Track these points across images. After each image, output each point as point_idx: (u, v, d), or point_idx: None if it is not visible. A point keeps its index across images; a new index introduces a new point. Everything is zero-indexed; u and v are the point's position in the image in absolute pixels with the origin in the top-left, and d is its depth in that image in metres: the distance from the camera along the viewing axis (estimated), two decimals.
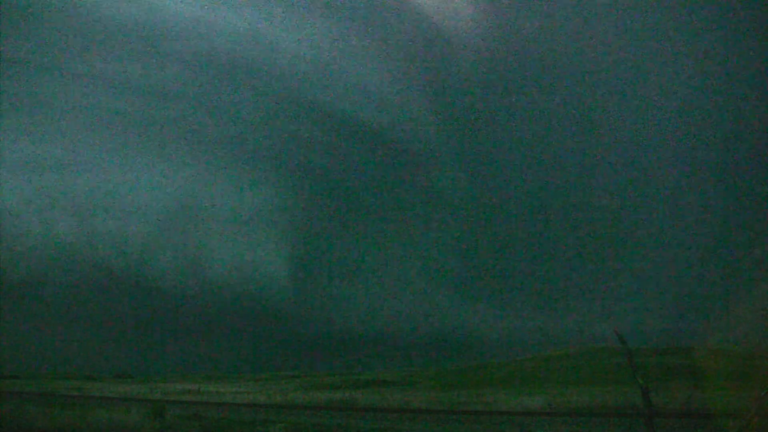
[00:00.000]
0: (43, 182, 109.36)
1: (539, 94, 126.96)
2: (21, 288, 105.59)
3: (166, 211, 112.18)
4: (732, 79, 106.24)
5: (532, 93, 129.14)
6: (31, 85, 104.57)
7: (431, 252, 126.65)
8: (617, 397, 25.46)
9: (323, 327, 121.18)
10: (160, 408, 21.08)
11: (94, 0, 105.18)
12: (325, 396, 37.58)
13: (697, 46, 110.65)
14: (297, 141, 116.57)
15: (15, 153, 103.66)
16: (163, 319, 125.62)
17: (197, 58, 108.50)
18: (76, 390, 47.72)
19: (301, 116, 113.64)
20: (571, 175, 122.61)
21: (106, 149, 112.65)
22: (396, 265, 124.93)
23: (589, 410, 23.37)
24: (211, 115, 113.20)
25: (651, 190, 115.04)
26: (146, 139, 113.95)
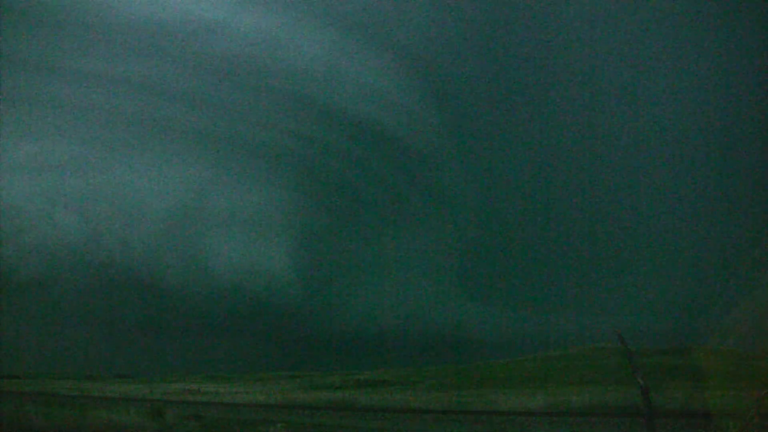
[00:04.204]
0: (46, 182, 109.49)
1: (541, 95, 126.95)
2: (21, 288, 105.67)
3: (170, 211, 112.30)
4: (732, 79, 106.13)
5: (534, 93, 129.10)
6: (36, 85, 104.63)
7: (432, 252, 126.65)
8: (617, 397, 25.43)
9: (324, 327, 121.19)
10: (160, 408, 21.07)
11: None
12: (325, 396, 37.55)
13: (698, 46, 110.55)
14: (300, 141, 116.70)
15: (17, 152, 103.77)
16: (164, 318, 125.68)
17: (199, 57, 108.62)
18: (76, 390, 47.70)
19: (304, 115, 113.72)
20: (572, 176, 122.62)
21: (109, 149, 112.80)
22: (397, 265, 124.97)
23: (589, 410, 23.34)
24: (214, 114, 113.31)
25: (651, 190, 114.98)
26: (150, 138, 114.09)
